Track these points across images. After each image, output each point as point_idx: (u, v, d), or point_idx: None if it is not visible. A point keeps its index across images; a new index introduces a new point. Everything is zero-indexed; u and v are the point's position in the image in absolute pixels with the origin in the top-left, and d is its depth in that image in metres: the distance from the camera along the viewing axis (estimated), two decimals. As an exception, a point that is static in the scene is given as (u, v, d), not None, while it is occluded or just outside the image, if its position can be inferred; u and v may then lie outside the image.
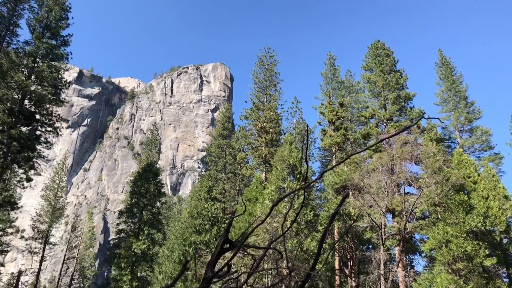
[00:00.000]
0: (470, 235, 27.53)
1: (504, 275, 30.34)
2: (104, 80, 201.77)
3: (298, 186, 28.38)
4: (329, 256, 31.41)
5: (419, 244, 31.82)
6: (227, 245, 3.34)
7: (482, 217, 28.75)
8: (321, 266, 23.24)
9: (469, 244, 25.06)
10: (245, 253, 3.40)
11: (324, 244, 28.43)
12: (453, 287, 23.86)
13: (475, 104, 50.96)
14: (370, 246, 33.85)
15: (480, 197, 30.72)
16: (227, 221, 32.86)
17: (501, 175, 47.45)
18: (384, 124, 37.74)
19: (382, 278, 24.96)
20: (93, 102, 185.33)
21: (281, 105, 47.80)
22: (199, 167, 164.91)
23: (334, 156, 40.82)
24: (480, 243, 26.94)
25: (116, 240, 44.93)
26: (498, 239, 29.68)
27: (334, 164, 38.66)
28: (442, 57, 53.90)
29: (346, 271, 31.70)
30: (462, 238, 25.40)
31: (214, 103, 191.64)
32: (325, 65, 50.31)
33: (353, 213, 30.04)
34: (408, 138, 32.50)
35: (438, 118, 3.16)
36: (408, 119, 37.93)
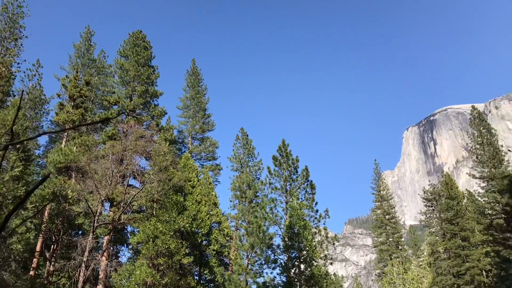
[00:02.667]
0: (177, 233, 29.75)
1: (196, 273, 33.82)
2: None
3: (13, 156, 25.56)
4: (32, 237, 29.14)
5: (129, 236, 32.62)
6: None
7: (191, 219, 31.45)
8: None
9: (174, 242, 27.06)
10: None
11: (29, 224, 26.23)
12: (150, 280, 25.25)
13: (211, 117, 56.03)
14: (80, 232, 32.93)
15: (194, 200, 33.63)
16: None
17: (216, 184, 53.16)
18: (126, 114, 37.69)
19: (83, 265, 24.51)
20: None
21: (19, 63, 42.14)
22: None
23: (66, 133, 38.42)
24: (183, 242, 29.40)
25: None
26: (200, 240, 32.95)
27: (62, 144, 36.40)
28: (194, 67, 57.51)
29: (47, 254, 29.92)
30: (169, 236, 27.26)
31: None
32: (81, 37, 47.35)
33: (70, 196, 28.74)
34: (145, 133, 33.24)
35: (135, 116, 3.34)
36: (150, 115, 38.91)
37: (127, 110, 37.41)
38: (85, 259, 24.65)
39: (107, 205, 31.78)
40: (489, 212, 49.96)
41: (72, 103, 36.18)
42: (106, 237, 29.30)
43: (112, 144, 30.71)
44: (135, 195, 28.60)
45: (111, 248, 30.45)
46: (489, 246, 47.21)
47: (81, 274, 24.54)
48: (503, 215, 42.04)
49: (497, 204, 47.24)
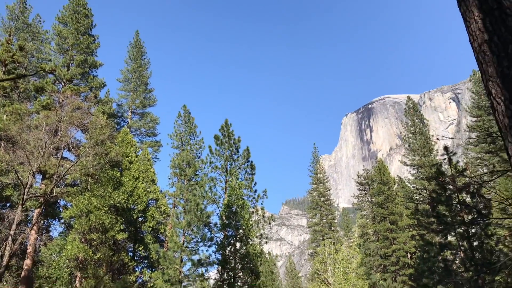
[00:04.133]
0: (112, 209, 29.11)
1: (130, 249, 33.38)
2: None
3: None
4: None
5: (61, 210, 31.53)
6: None
7: (127, 195, 30.84)
8: None
9: (108, 218, 26.51)
10: None
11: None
12: (82, 255, 24.67)
13: (153, 92, 54.78)
14: (8, 204, 31.40)
15: (131, 176, 32.95)
16: None
17: (155, 161, 52.23)
18: (63, 84, 36.08)
19: (10, 238, 23.48)
20: None
21: None
22: None
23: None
24: (118, 218, 28.86)
25: None
26: (135, 217, 32.45)
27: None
28: (138, 39, 55.66)
29: (-29, 227, 28.37)
30: (104, 211, 26.65)
31: None
32: (15, -1, 44.48)
33: (-2, 166, 27.24)
34: (82, 104, 32.04)
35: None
36: (88, 86, 37.46)
37: (64, 80, 35.78)
38: (12, 232, 23.61)
39: (38, 177, 30.49)
40: (417, 197, 52.96)
41: (4, 69, 34.05)
42: (36, 211, 28.17)
43: (47, 114, 29.33)
44: (69, 168, 27.59)
45: (42, 222, 29.35)
46: (414, 230, 50.17)
47: (7, 248, 23.50)
48: (429, 201, 44.68)
49: (425, 191, 50.16)
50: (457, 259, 23.34)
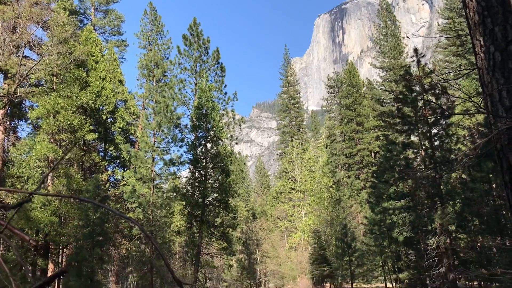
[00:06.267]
0: (80, 109, 28.70)
1: (101, 149, 33.59)
2: None
3: None
4: None
5: (27, 110, 30.88)
6: None
7: (95, 96, 30.26)
8: None
9: (76, 118, 26.22)
10: None
11: None
12: (52, 155, 24.72)
13: (116, -13, 51.38)
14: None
15: (98, 77, 32.10)
16: None
17: (122, 61, 50.66)
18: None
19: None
20: None
21: None
22: None
23: None
24: (87, 119, 28.59)
25: None
26: (104, 117, 32.20)
27: None
28: None
29: None
30: (71, 112, 26.28)
31: None
32: None
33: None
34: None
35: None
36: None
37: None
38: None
39: (0, 76, 29.36)
40: (384, 99, 54.12)
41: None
42: (1, 111, 27.49)
43: (2, 9, 27.44)
44: (32, 67, 26.53)
45: (8, 122, 28.80)
46: (379, 131, 51.92)
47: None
48: (395, 103, 45.82)
49: (392, 93, 51.15)
50: (418, 158, 24.53)
